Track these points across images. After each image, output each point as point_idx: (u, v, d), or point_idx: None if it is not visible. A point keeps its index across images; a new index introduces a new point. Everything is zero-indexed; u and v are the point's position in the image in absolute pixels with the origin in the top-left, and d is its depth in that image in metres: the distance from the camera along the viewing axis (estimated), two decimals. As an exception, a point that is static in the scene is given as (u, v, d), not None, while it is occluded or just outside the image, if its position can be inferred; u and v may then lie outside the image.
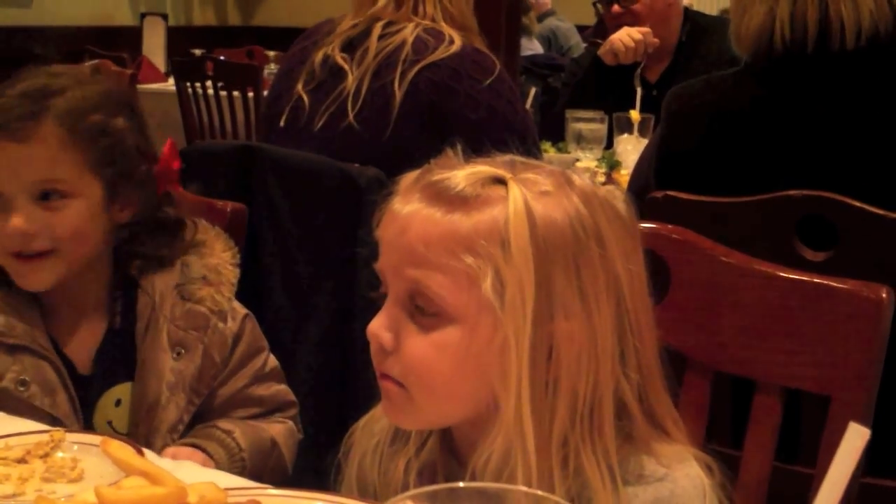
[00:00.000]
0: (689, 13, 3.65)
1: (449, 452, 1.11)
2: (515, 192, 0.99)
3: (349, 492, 1.16)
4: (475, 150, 1.08)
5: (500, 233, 0.98)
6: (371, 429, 1.16)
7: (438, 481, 1.09)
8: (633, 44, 3.36)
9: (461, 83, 2.22)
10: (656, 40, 3.41)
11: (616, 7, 3.53)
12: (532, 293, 0.98)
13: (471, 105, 2.22)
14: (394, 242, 1.03)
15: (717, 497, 1.05)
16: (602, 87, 3.44)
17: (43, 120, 1.44)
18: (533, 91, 4.06)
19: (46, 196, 1.45)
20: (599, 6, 3.68)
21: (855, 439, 0.60)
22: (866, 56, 1.81)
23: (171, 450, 1.45)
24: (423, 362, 1.01)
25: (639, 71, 3.46)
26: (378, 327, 1.03)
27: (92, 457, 1.17)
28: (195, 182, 1.77)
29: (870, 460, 1.59)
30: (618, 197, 1.07)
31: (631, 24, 3.46)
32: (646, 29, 3.41)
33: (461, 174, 1.02)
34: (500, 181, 1.01)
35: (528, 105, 3.74)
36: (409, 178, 1.07)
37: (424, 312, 1.01)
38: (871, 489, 1.62)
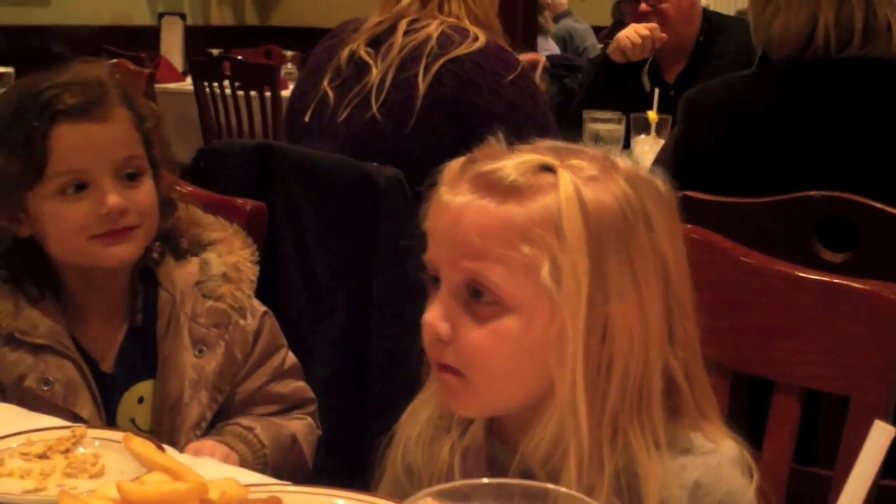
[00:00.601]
0: (705, 13, 3.64)
1: (494, 434, 1.11)
2: (565, 178, 1.00)
3: (394, 477, 1.17)
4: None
5: (553, 220, 0.99)
6: (416, 418, 1.16)
7: (482, 464, 1.10)
8: (639, 40, 3.36)
9: (484, 77, 2.24)
10: (664, 35, 3.40)
11: (644, 6, 3.52)
12: (587, 278, 0.99)
13: (494, 99, 2.24)
14: (447, 234, 1.03)
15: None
16: (614, 85, 3.44)
17: (111, 101, 1.48)
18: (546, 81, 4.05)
19: (131, 175, 1.48)
20: (623, 6, 3.64)
21: (880, 437, 0.60)
22: None
23: (193, 444, 1.46)
24: (483, 352, 1.02)
25: (646, 68, 3.46)
26: (434, 318, 1.03)
27: (113, 452, 1.18)
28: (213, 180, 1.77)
29: (887, 462, 1.58)
30: (658, 176, 1.07)
31: (659, 24, 3.46)
32: (653, 25, 3.41)
33: (511, 164, 1.02)
34: (549, 169, 1.01)
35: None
36: (453, 167, 1.07)
37: (481, 302, 1.01)
38: (889, 491, 1.61)
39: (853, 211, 1.64)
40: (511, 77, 2.27)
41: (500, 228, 0.99)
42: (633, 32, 3.37)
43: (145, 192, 1.50)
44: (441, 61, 2.24)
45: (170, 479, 0.99)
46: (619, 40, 3.40)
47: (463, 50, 2.25)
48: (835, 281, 1.30)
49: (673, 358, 1.05)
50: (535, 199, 0.99)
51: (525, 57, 3.63)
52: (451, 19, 2.33)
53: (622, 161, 1.06)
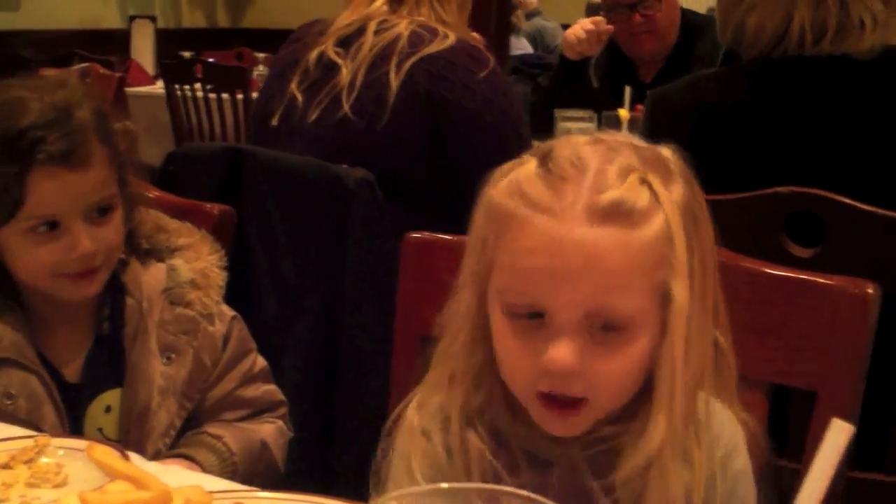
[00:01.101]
0: (683, 13, 3.67)
1: (525, 423, 1.07)
2: (661, 189, 0.99)
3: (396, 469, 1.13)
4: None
5: (668, 236, 0.98)
6: (426, 410, 1.12)
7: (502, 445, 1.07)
8: (584, 34, 3.39)
9: (457, 74, 2.24)
10: (610, 27, 3.43)
11: (637, 16, 3.54)
12: (687, 282, 0.99)
13: (467, 95, 2.23)
14: (573, 272, 0.97)
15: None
16: (573, 82, 3.47)
17: (91, 144, 1.44)
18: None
19: (102, 210, 1.46)
20: (613, 17, 3.59)
21: (838, 435, 0.60)
22: (879, 64, 1.81)
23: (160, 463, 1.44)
24: (619, 378, 1.00)
25: (593, 61, 3.50)
26: (568, 355, 0.97)
27: (77, 462, 1.17)
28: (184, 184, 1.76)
29: (857, 455, 1.59)
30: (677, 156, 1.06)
31: (647, 32, 3.50)
32: (598, 18, 3.45)
33: (618, 193, 0.98)
34: (644, 180, 0.99)
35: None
36: (527, 181, 1.01)
37: (610, 332, 0.98)
38: (860, 483, 1.62)
39: (821, 206, 1.64)
40: (484, 74, 2.27)
41: (633, 259, 0.97)
42: (578, 28, 3.42)
43: (114, 226, 1.48)
44: (413, 59, 2.23)
45: (133, 487, 0.98)
46: (566, 37, 3.45)
47: (434, 48, 2.25)
48: (801, 277, 1.31)
49: (721, 337, 1.07)
50: (650, 219, 0.98)
51: None
52: (421, 19, 2.33)
53: (664, 150, 1.05)
